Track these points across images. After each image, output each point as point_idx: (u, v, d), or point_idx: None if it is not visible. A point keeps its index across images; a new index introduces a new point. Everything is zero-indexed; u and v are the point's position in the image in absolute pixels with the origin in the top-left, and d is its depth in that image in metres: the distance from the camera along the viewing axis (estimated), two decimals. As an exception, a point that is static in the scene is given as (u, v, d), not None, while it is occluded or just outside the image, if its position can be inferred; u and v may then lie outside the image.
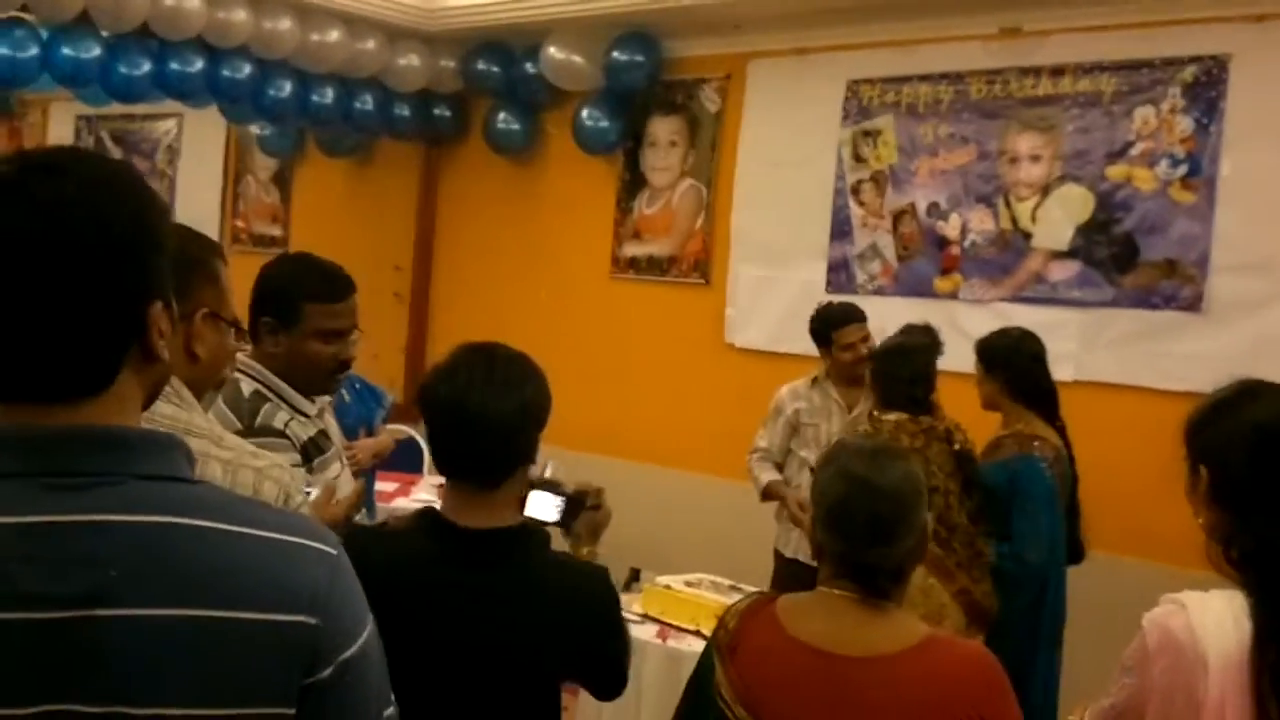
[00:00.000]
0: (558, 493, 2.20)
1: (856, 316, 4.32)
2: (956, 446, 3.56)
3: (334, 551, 1.10)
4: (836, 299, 4.71)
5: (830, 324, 4.32)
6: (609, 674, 2.07)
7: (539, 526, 2.10)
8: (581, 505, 2.22)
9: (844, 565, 1.86)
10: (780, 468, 4.48)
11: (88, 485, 1.02)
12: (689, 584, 4.04)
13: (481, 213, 6.82)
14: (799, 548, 4.30)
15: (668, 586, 4.00)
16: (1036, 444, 3.66)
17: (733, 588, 3.99)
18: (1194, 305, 4.45)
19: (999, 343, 3.82)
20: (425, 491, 5.37)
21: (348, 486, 2.44)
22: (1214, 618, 1.64)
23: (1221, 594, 1.69)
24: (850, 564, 1.85)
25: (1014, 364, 3.76)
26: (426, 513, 1.96)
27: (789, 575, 4.22)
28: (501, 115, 6.46)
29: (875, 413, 3.68)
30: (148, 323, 1.08)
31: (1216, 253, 4.41)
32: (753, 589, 3.92)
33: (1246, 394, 1.80)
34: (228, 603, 1.03)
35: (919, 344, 3.77)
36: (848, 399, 4.38)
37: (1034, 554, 3.58)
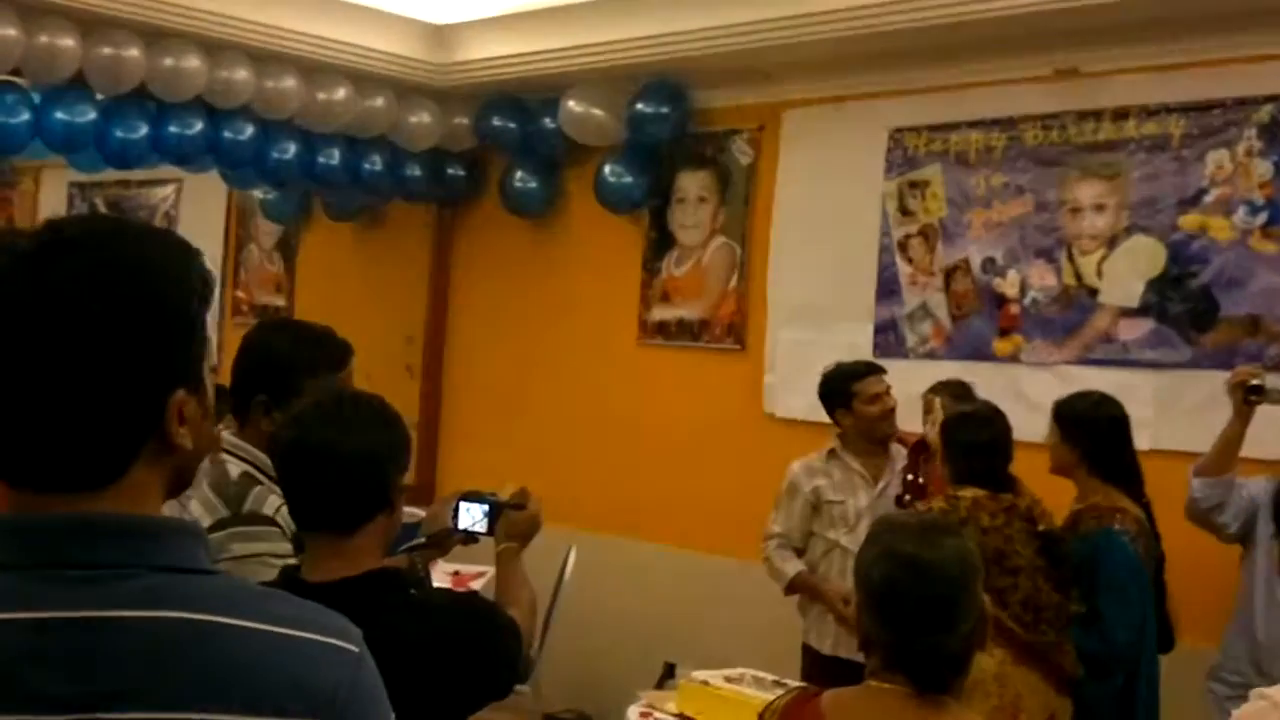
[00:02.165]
0: (481, 501, 2.50)
1: (878, 367, 4.35)
2: (1041, 527, 3.50)
3: (356, 650, 1.12)
4: (886, 363, 4.66)
5: (850, 376, 4.32)
6: (500, 688, 2.15)
7: (414, 565, 2.38)
8: (502, 509, 2.48)
9: (895, 656, 1.83)
10: (799, 553, 4.40)
11: (101, 578, 1.03)
12: (729, 679, 3.94)
13: (498, 278, 6.82)
14: (839, 642, 4.23)
15: (705, 682, 3.91)
16: (1118, 516, 3.61)
17: (777, 683, 3.88)
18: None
19: (1079, 406, 3.78)
20: (437, 578, 5.25)
21: None
22: None
23: None
24: (902, 654, 1.82)
25: (1096, 432, 3.72)
26: (284, 570, 2.03)
27: (827, 674, 4.13)
28: (518, 173, 6.48)
29: (950, 489, 3.62)
30: (166, 413, 1.08)
31: (1304, 308, 4.32)
32: (798, 684, 3.83)
33: None
34: (244, 705, 1.03)
35: (993, 410, 3.70)
36: (871, 470, 4.34)
37: (1123, 633, 3.53)
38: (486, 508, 2.52)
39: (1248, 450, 3.87)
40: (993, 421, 3.68)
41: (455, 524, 2.54)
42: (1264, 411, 3.74)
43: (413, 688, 1.86)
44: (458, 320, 7.04)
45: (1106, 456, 3.71)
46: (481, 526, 2.53)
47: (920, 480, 4.24)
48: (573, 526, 5.80)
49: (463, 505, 2.54)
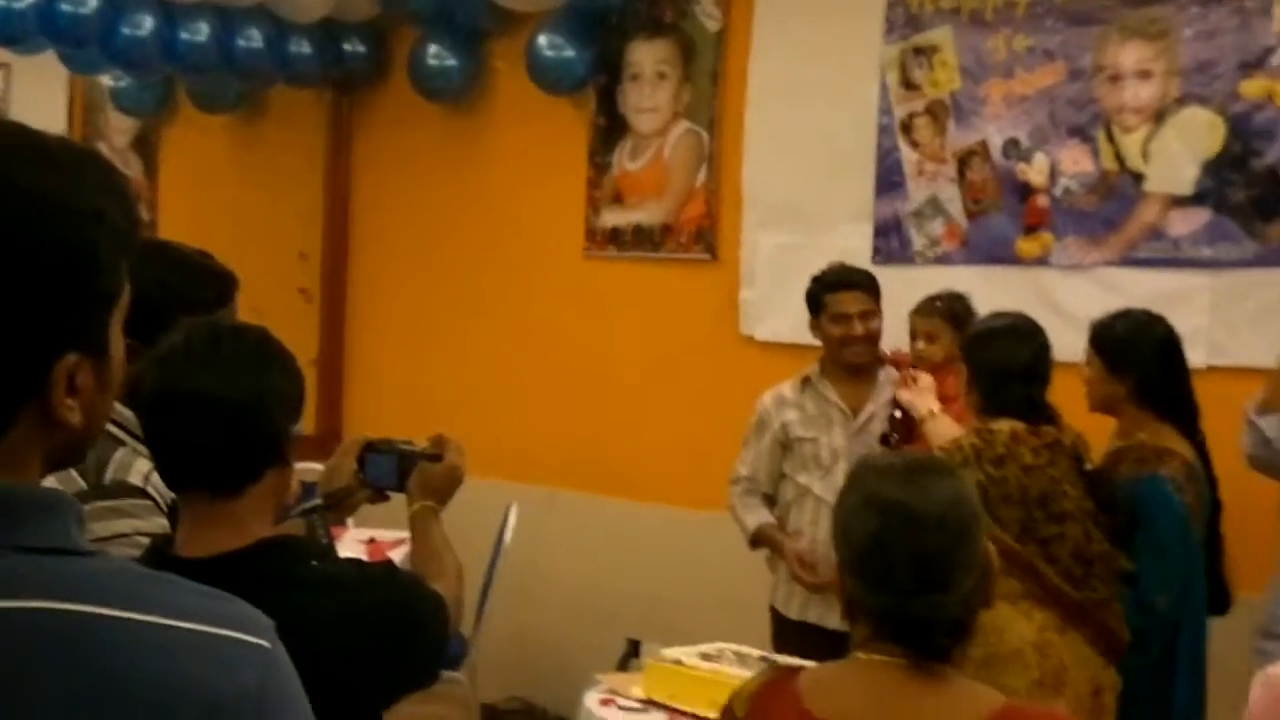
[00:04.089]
0: (391, 451, 2.59)
1: (860, 283, 4.42)
2: (1088, 465, 3.56)
3: (268, 645, 1.13)
4: (888, 272, 4.77)
5: (825, 284, 4.41)
6: (423, 675, 2.25)
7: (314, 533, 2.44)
8: (414, 460, 2.56)
9: (885, 623, 1.89)
10: (772, 500, 4.51)
11: None
12: (706, 657, 3.94)
13: (410, 178, 6.81)
14: (808, 605, 4.36)
15: (678, 662, 3.92)
16: (1163, 459, 3.69)
17: (764, 660, 3.92)
18: (1363, 262, 4.41)
19: (1123, 329, 3.84)
20: (349, 548, 5.27)
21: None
22: None
23: None
24: (894, 621, 1.88)
25: (1147, 359, 3.78)
26: (153, 544, 2.06)
27: (796, 642, 4.26)
28: (432, 48, 6.46)
29: (980, 422, 3.65)
30: (50, 379, 1.08)
31: (1390, 190, 4.38)
32: (793, 661, 3.88)
33: None
34: (130, 714, 1.03)
35: (1030, 324, 3.75)
36: (851, 400, 4.43)
37: (1164, 599, 3.61)
38: (397, 459, 2.58)
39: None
40: (1031, 338, 3.71)
41: (362, 478, 2.59)
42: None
43: (318, 679, 1.90)
44: (361, 232, 7.04)
45: (1160, 387, 3.79)
46: (392, 482, 2.59)
47: (908, 417, 4.28)
48: (513, 480, 5.86)
49: (369, 456, 2.59)
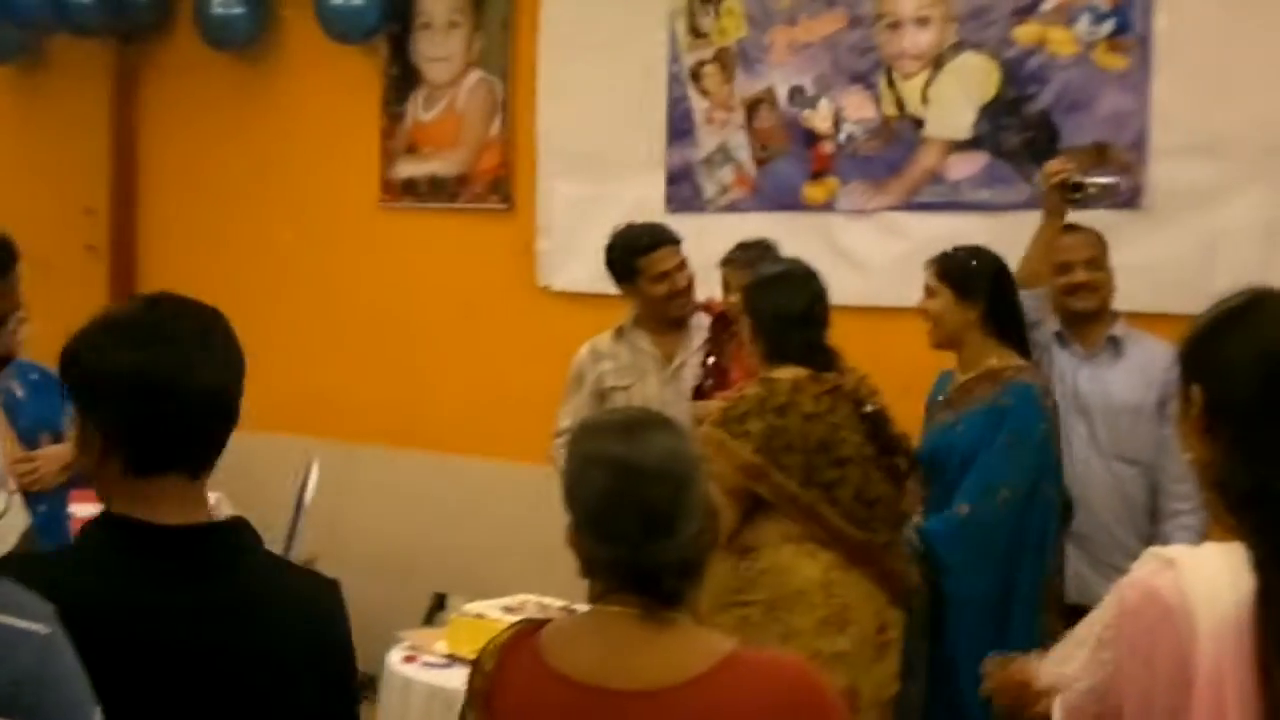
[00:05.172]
0: None
1: (669, 238, 4.45)
2: (867, 409, 3.58)
3: (44, 630, 1.10)
4: (681, 220, 4.80)
5: (635, 249, 4.42)
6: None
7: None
8: None
9: (617, 575, 1.94)
10: None
11: None
12: (509, 610, 4.02)
13: (199, 130, 6.69)
14: None
15: (480, 616, 3.99)
16: (1023, 372, 3.80)
17: (565, 610, 3.96)
18: (1131, 200, 4.50)
19: (963, 259, 3.90)
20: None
21: (19, 522, 2.38)
22: (1208, 575, 1.73)
23: (1219, 548, 1.78)
24: (625, 571, 1.93)
25: (993, 284, 3.86)
26: (104, 520, 1.88)
27: None
28: (218, -4, 6.34)
29: (763, 370, 3.63)
30: None
31: (1156, 132, 4.48)
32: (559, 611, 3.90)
33: (1254, 304, 1.87)
34: None
35: (806, 270, 3.74)
36: (664, 348, 4.47)
37: (1008, 490, 3.67)
38: None
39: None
40: (806, 284, 3.70)
41: None
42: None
43: (266, 663, 1.83)
44: (150, 186, 6.92)
45: (1004, 311, 3.88)
46: None
47: (721, 362, 4.30)
48: (312, 435, 5.76)
49: None
